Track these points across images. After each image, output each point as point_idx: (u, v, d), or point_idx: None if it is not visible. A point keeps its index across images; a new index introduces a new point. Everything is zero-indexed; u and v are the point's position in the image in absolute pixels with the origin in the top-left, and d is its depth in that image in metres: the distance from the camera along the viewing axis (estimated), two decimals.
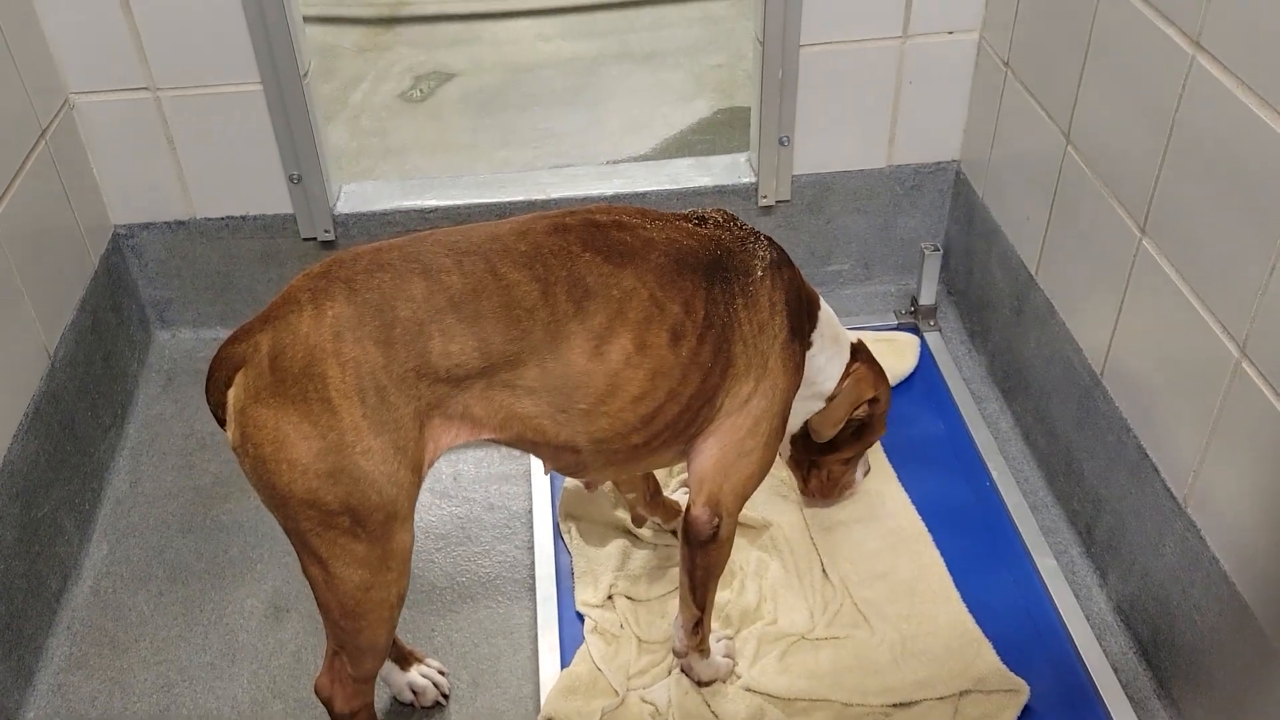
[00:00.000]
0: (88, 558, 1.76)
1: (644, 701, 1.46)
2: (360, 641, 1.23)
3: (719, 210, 1.37)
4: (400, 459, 1.13)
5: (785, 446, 1.62)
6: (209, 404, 1.18)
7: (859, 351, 1.54)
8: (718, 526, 1.32)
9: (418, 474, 1.16)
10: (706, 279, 1.25)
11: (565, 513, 1.72)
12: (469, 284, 1.14)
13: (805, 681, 1.46)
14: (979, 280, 2.06)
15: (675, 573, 1.60)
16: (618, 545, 1.66)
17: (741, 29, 3.26)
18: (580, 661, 1.51)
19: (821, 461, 1.65)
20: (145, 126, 1.97)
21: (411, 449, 1.14)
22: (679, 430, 1.27)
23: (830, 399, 1.51)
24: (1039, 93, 1.76)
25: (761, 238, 1.36)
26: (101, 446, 1.90)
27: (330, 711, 1.32)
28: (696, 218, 1.34)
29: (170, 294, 2.16)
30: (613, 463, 1.28)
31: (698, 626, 1.42)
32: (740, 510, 1.37)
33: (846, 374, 1.51)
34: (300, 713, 1.53)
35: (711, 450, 1.31)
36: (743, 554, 1.65)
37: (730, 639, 1.53)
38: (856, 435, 1.61)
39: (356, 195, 2.14)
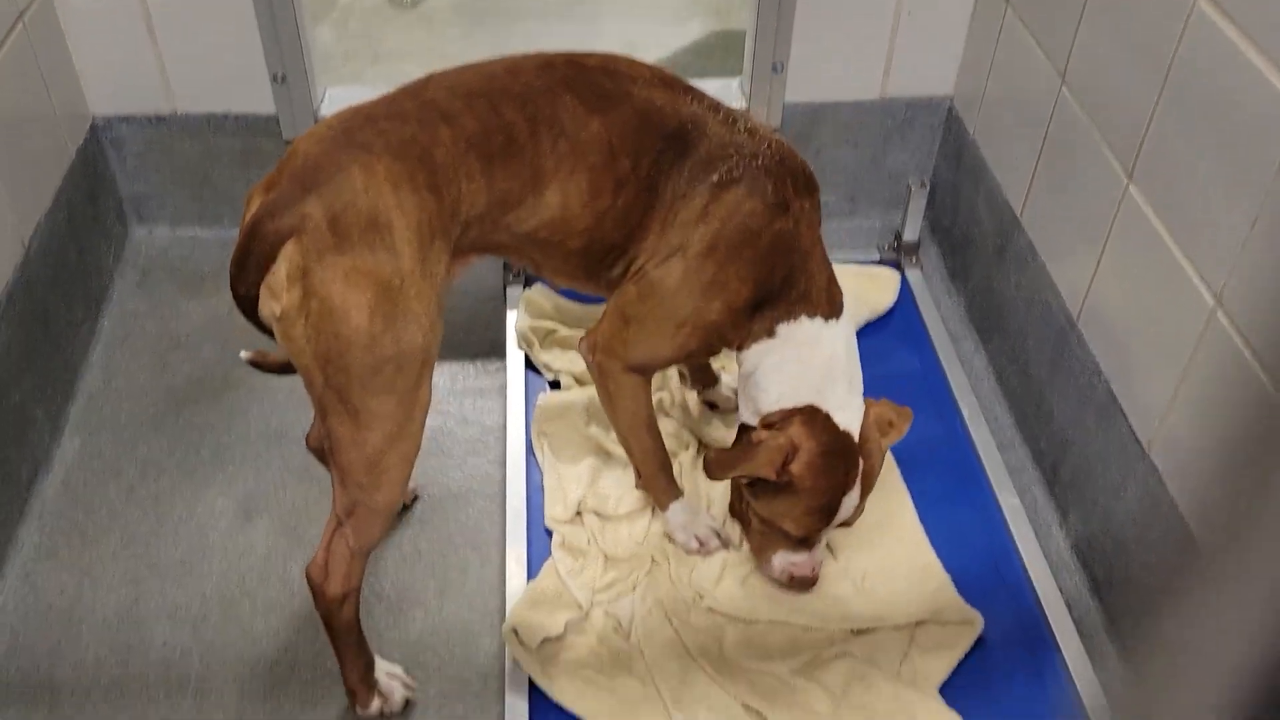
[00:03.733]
0: (59, 450, 1.76)
1: (608, 615, 1.49)
2: (376, 501, 1.26)
3: (746, 113, 1.38)
4: (437, 303, 1.22)
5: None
6: (239, 288, 1.18)
7: (813, 422, 1.35)
8: (596, 365, 1.44)
9: (442, 317, 1.24)
10: (664, 143, 1.31)
11: (538, 429, 1.73)
12: (480, 126, 1.23)
13: (766, 604, 1.49)
14: (964, 219, 2.06)
15: (644, 492, 1.62)
16: (589, 463, 1.67)
17: None
18: (546, 575, 1.53)
19: (746, 508, 1.48)
20: (126, 13, 1.92)
21: (442, 292, 1.24)
22: (596, 267, 1.38)
23: (748, 436, 1.40)
24: (1037, 31, 1.74)
25: (757, 159, 1.33)
26: (75, 341, 1.88)
27: (322, 597, 1.31)
28: (713, 105, 1.35)
29: (148, 189, 2.13)
30: (558, 275, 1.42)
31: (639, 473, 1.55)
32: (622, 372, 1.44)
33: (786, 424, 1.36)
34: (269, 613, 1.55)
35: (612, 301, 1.42)
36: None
37: (712, 518, 1.57)
38: (766, 499, 1.41)
39: (341, 99, 2.10)
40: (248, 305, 1.20)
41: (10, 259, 1.70)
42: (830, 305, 1.40)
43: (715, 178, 1.32)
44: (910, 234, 2.08)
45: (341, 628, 1.34)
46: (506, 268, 1.95)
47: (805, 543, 1.44)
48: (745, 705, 1.39)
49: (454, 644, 1.52)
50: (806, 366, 1.38)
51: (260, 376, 1.87)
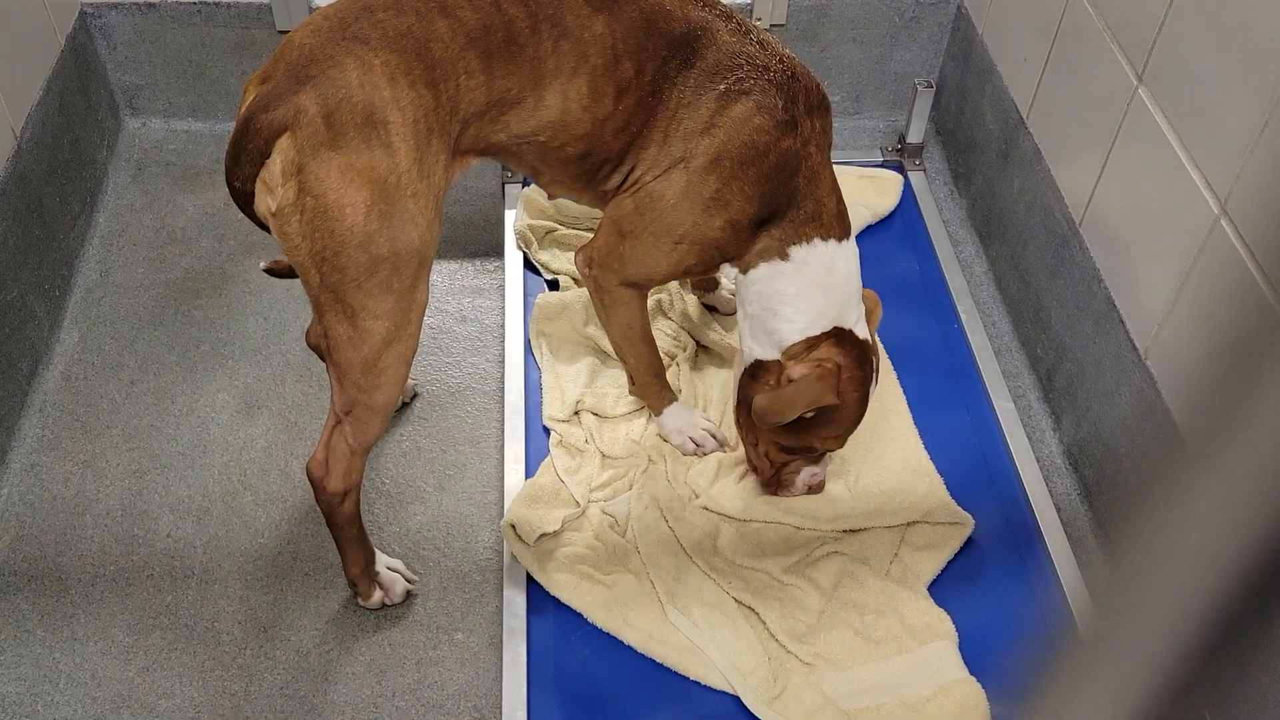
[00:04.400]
0: (58, 344, 1.76)
1: (604, 513, 1.51)
2: (374, 400, 1.27)
3: (764, 32, 1.33)
4: (434, 203, 1.20)
5: (731, 394, 1.50)
6: (234, 182, 1.17)
7: (843, 340, 1.36)
8: (591, 279, 1.42)
9: (440, 217, 1.23)
10: (669, 49, 1.27)
11: (537, 329, 1.73)
12: (480, 19, 1.20)
13: (760, 504, 1.51)
14: (969, 121, 2.03)
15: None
16: (587, 363, 1.68)
17: None
18: (544, 473, 1.55)
19: (759, 437, 1.46)
20: None
21: (439, 192, 1.22)
22: (594, 176, 1.34)
23: (781, 374, 1.38)
24: None
25: (767, 73, 1.28)
26: (71, 234, 1.87)
27: (322, 492, 1.33)
28: (725, 13, 1.31)
29: (140, 80, 2.09)
30: (556, 184, 1.39)
31: (633, 380, 1.55)
32: (618, 287, 1.42)
33: (813, 350, 1.36)
34: (270, 505, 1.57)
35: (608, 214, 1.39)
36: (708, 381, 1.68)
37: (707, 419, 1.59)
38: (800, 425, 1.38)
39: None
40: (243, 199, 1.18)
41: (3, 151, 1.67)
42: (841, 226, 1.37)
43: (722, 87, 1.27)
44: (914, 135, 2.06)
45: (342, 522, 1.36)
46: (505, 166, 1.93)
47: (790, 456, 1.46)
48: (738, 600, 1.42)
49: (453, 538, 1.55)
50: (828, 293, 1.36)
51: (257, 271, 1.87)
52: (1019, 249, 1.82)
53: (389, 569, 1.46)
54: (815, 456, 1.47)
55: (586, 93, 1.25)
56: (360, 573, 1.43)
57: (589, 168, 1.34)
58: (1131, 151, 1.47)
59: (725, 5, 1.33)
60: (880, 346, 1.49)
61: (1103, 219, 1.56)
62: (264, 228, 1.21)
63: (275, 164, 1.13)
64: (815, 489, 1.51)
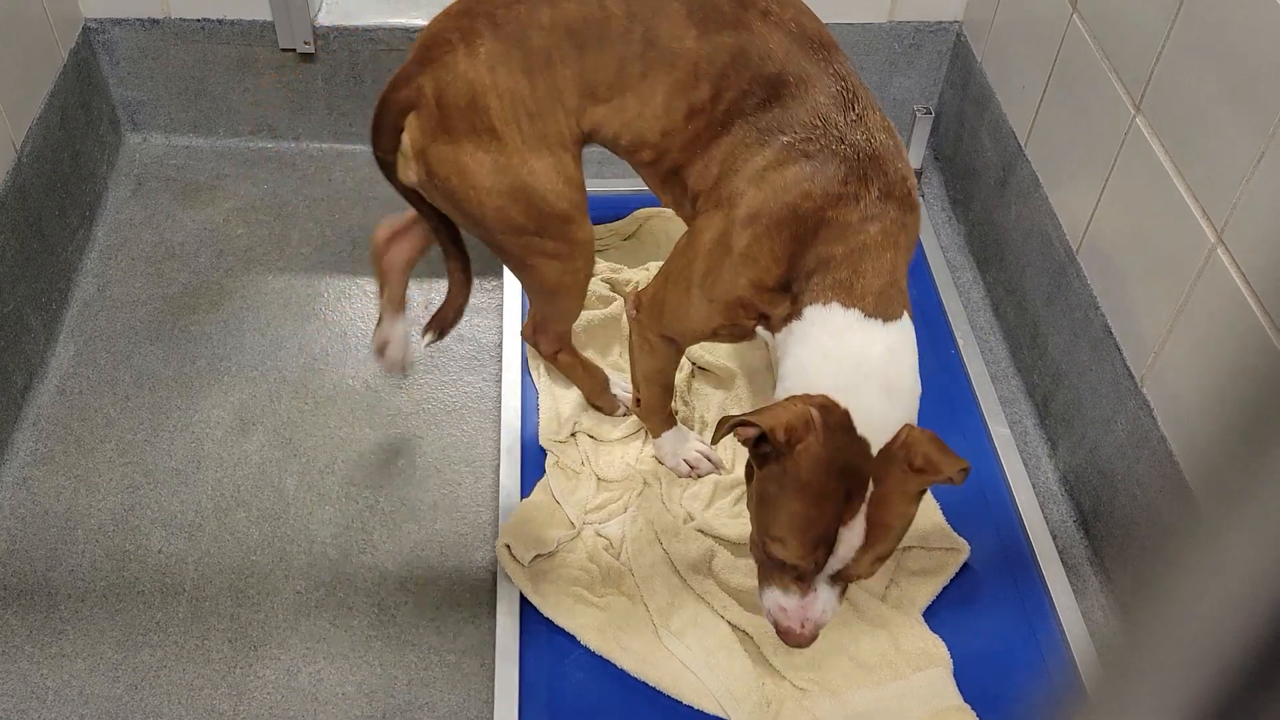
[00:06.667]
0: (54, 358, 1.76)
1: (599, 535, 1.51)
2: (557, 312, 1.47)
3: (877, 114, 1.24)
4: (560, 174, 1.27)
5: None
6: (377, 153, 1.30)
7: (829, 410, 1.13)
8: (635, 323, 1.42)
9: (576, 186, 1.30)
10: (753, 85, 1.23)
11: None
12: (581, 12, 1.24)
13: None
14: (967, 147, 2.04)
15: (634, 420, 1.63)
16: None
17: None
18: (540, 493, 1.55)
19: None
20: None
21: (567, 164, 1.28)
22: (673, 186, 1.33)
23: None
24: None
25: (843, 144, 1.19)
26: (69, 247, 1.87)
27: (536, 348, 1.58)
28: (841, 77, 1.23)
29: (142, 96, 2.10)
30: (650, 185, 1.39)
31: (639, 402, 1.54)
32: (657, 337, 1.38)
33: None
34: (263, 522, 1.57)
35: (667, 259, 1.38)
36: (704, 401, 1.68)
37: (702, 442, 1.58)
38: (768, 485, 1.17)
39: (339, 7, 2.06)
40: (387, 169, 1.31)
41: (3, 164, 1.67)
42: (877, 304, 1.18)
43: (786, 140, 1.20)
44: (913, 162, 2.06)
45: (562, 367, 1.59)
46: None
47: (801, 578, 1.19)
48: (732, 625, 1.41)
49: (446, 558, 1.54)
50: (829, 358, 1.17)
51: (256, 288, 1.87)
52: (1016, 275, 1.83)
53: (624, 390, 1.61)
54: (788, 576, 1.19)
55: (660, 103, 1.26)
56: (599, 396, 1.61)
57: (666, 176, 1.33)
58: (1129, 179, 1.48)
59: (851, 74, 1.25)
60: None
61: (1100, 246, 1.56)
62: (408, 195, 1.34)
63: (406, 141, 1.27)
64: (785, 636, 1.22)
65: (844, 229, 1.18)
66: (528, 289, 1.45)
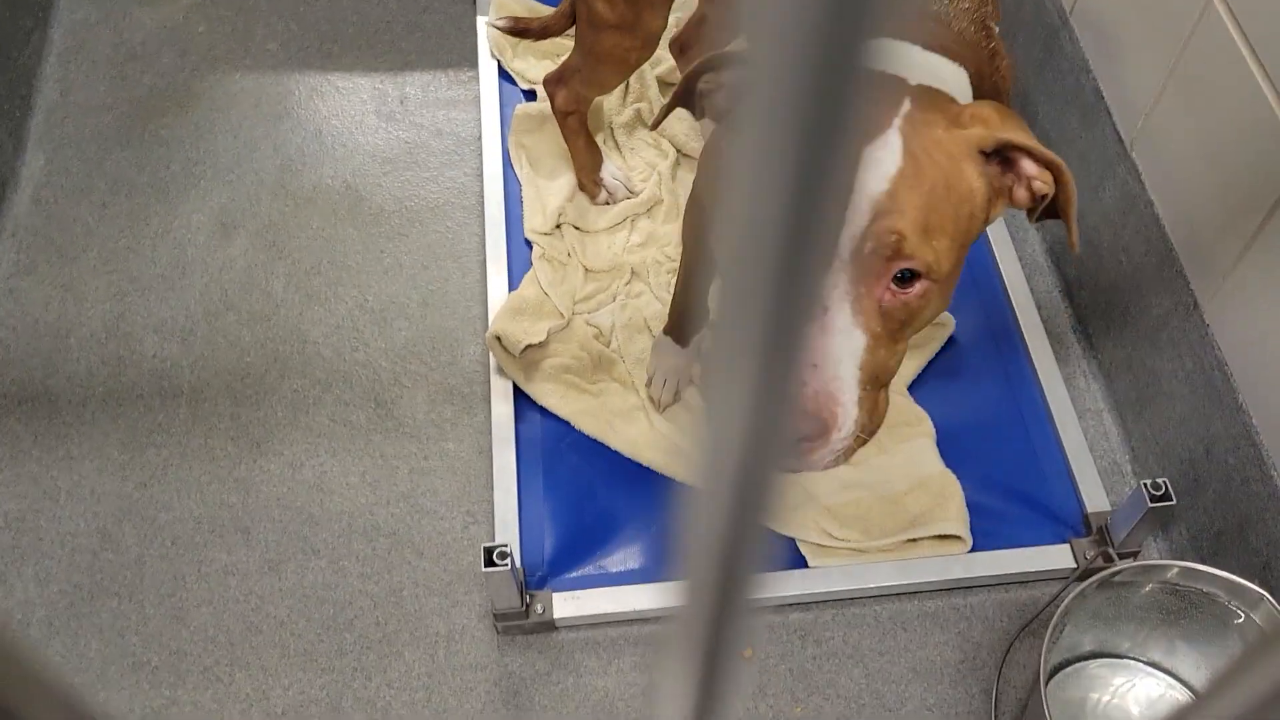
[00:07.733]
0: (24, 167, 1.72)
1: (589, 324, 1.52)
2: (591, 76, 1.48)
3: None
4: None
5: None
6: None
7: None
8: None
9: None
10: None
11: (516, 141, 1.70)
12: None
13: None
14: None
15: (623, 206, 1.61)
16: (568, 178, 1.65)
17: None
18: (528, 285, 1.55)
19: None
20: None
21: None
22: None
23: None
24: None
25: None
26: (25, 51, 1.80)
27: (551, 102, 1.57)
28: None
29: None
30: None
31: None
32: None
33: None
34: (254, 324, 1.57)
35: None
36: (688, 188, 1.65)
37: (620, 170, 1.65)
38: None
39: None
40: None
41: None
42: None
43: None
44: None
45: (568, 133, 1.59)
46: None
47: None
48: None
49: (439, 352, 1.55)
50: None
51: (223, 88, 1.81)
52: (1008, 41, 1.77)
53: (613, 177, 1.63)
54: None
55: None
56: (587, 176, 1.61)
57: None
58: None
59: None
60: None
61: (1094, 6, 1.51)
62: None
63: None
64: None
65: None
66: (578, 38, 1.45)
